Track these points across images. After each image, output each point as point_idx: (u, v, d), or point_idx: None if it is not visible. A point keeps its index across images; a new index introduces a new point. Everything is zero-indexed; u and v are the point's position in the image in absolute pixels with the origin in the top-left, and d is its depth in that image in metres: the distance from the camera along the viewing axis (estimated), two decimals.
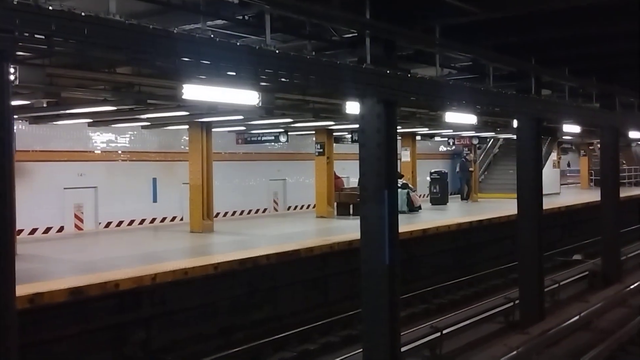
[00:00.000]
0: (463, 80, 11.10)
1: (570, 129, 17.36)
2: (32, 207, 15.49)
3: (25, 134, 15.34)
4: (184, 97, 8.74)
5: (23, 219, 14.49)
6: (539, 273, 10.67)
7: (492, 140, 26.66)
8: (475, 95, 9.20)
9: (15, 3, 3.94)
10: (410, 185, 19.85)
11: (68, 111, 11.83)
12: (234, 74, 5.81)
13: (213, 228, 14.91)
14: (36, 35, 4.11)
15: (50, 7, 4.09)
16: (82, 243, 14.25)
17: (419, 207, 19.44)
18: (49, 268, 10.17)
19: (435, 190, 22.21)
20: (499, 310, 10.95)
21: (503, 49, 9.58)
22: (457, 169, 24.83)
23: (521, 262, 10.79)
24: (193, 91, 8.63)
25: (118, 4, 4.73)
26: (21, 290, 7.70)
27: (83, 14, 4.24)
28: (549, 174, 24.91)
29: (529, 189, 10.61)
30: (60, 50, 4.31)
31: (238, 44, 5.84)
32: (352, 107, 12.02)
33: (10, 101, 4.30)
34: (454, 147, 27.25)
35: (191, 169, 15.09)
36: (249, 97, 9.37)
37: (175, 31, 5.07)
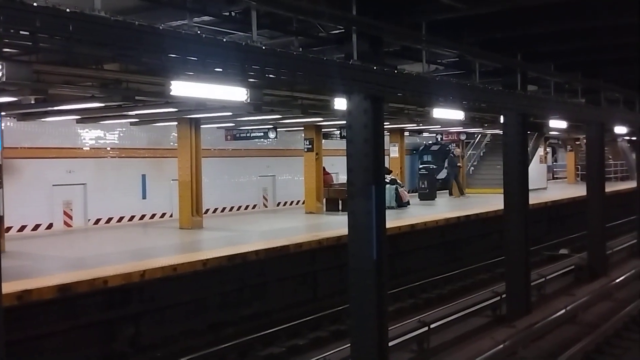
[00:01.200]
0: (450, 76, 11.16)
1: (557, 124, 17.47)
2: (20, 204, 15.45)
3: (13, 131, 15.29)
4: (172, 93, 8.74)
5: (12, 216, 14.46)
6: (525, 267, 10.77)
7: (479, 135, 26.78)
8: (462, 91, 9.25)
9: None
10: (398, 181, 19.92)
11: (56, 108, 11.80)
12: (221, 70, 5.81)
13: (202, 224, 14.93)
14: (21, 32, 4.12)
15: (34, 4, 4.09)
16: (71, 240, 14.23)
17: (408, 203, 19.51)
18: (38, 265, 10.16)
19: (423, 186, 22.30)
20: (486, 304, 11.04)
21: (489, 45, 9.64)
22: (445, 165, 24.91)
23: (508, 256, 10.88)
24: (181, 88, 8.63)
25: (104, 0, 4.73)
26: (9, 287, 7.71)
27: (68, 10, 4.24)
28: (536, 169, 25.08)
29: (516, 184, 10.70)
30: (45, 47, 4.30)
31: (225, 40, 5.86)
32: (341, 103, 12.06)
33: None
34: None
35: (180, 165, 15.10)
36: (237, 93, 9.37)
37: (161, 27, 5.08)
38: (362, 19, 7.05)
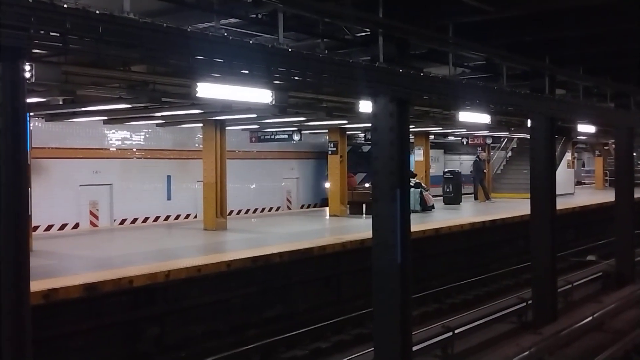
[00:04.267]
0: (476, 79, 11.07)
1: (585, 128, 17.25)
2: (48, 203, 15.66)
3: (41, 131, 15.51)
4: (198, 95, 8.82)
5: (39, 216, 14.66)
6: (552, 273, 10.63)
7: (505, 139, 26.56)
8: (489, 95, 9.16)
9: (30, 1, 3.98)
10: (423, 185, 19.82)
11: (83, 109, 11.94)
12: (247, 72, 5.82)
13: (226, 226, 14.97)
14: (51, 33, 4.16)
15: (65, 5, 4.13)
16: (97, 240, 14.36)
17: (432, 207, 19.41)
18: (64, 264, 10.26)
19: (448, 190, 22.16)
20: (511, 311, 10.90)
21: (517, 48, 9.54)
22: (471, 169, 24.73)
23: (534, 262, 10.74)
24: (207, 89, 8.71)
25: (132, 2, 4.77)
26: (36, 286, 7.79)
27: (97, 12, 4.28)
28: (563, 173, 24.77)
29: (543, 189, 10.56)
30: (75, 48, 4.34)
31: (251, 42, 5.87)
32: (366, 106, 12.04)
33: (25, 98, 4.37)
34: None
35: (205, 167, 15.16)
36: (263, 95, 9.44)
37: (189, 29, 5.11)
38: (388, 22, 7.01)
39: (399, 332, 7.12)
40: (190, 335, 9.72)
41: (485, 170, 24.05)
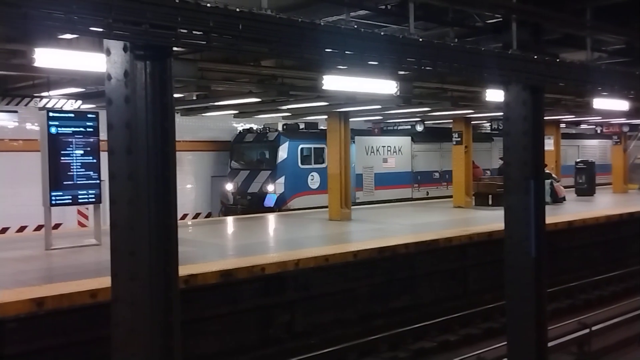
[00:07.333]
0: (614, 64, 10.47)
1: None
2: (182, 193, 16.51)
3: (177, 125, 16.34)
4: (323, 87, 8.98)
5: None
6: None
7: None
8: (629, 81, 8.65)
9: (177, 1, 4.21)
10: (553, 175, 19.04)
11: (216, 103, 12.47)
12: (377, 63, 5.85)
13: (351, 216, 15.10)
14: (194, 32, 4.38)
15: (208, 5, 4.34)
16: (229, 228, 14.94)
17: (563, 198, 18.62)
18: (200, 252, 10.76)
19: (580, 181, 21.16)
20: None
21: None
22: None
23: None
24: (332, 82, 8.86)
25: None
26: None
27: (238, 10, 4.47)
28: None
29: None
30: (217, 45, 4.55)
31: (382, 34, 5.89)
32: (492, 95, 11.75)
33: (173, 94, 4.63)
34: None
35: (330, 158, 15.35)
36: (387, 86, 9.45)
37: (321, 23, 5.20)
38: (521, 7, 6.79)
39: (534, 327, 6.90)
40: (319, 323, 9.93)
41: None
